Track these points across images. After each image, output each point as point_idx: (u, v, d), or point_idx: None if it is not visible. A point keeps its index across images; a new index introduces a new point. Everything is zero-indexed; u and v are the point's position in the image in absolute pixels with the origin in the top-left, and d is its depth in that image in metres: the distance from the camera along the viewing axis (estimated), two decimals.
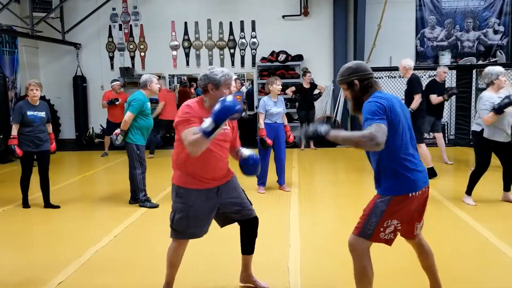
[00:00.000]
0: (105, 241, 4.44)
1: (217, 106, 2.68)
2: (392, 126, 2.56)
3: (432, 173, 6.61)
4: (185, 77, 12.11)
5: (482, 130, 5.28)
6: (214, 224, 3.18)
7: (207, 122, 2.66)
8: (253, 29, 11.96)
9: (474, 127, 5.46)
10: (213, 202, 3.03)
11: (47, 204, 5.75)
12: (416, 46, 11.77)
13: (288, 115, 10.89)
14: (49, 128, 5.79)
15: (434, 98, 7.54)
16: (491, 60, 11.41)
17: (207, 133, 2.66)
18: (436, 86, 7.78)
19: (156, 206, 5.68)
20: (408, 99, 6.73)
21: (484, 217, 4.91)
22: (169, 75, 12.23)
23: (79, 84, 12.07)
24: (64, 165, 9.29)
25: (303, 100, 10.28)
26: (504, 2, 11.48)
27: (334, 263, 3.75)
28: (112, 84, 9.76)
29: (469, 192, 5.51)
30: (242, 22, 11.98)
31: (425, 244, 2.92)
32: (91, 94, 12.40)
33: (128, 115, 5.50)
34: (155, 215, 5.35)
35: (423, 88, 7.13)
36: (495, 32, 11.61)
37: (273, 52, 11.63)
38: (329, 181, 7.32)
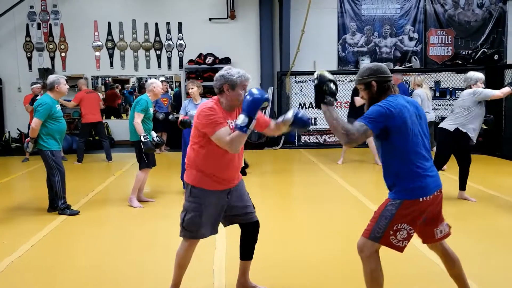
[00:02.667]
0: (21, 251, 4.21)
1: (246, 100, 2.79)
2: (399, 131, 2.59)
3: None
4: (110, 79, 11.76)
5: (456, 129, 5.52)
6: None
7: (241, 118, 2.79)
8: (180, 31, 11.87)
9: (446, 126, 5.64)
10: (223, 203, 3.05)
11: None
12: (338, 51, 12.26)
13: None
14: None
15: (358, 100, 7.89)
16: (407, 65, 12.16)
17: (244, 128, 2.78)
18: None
19: (76, 213, 5.46)
20: None
21: None
22: (92, 76, 11.80)
23: None
24: None
25: None
26: (418, 11, 12.28)
27: (258, 263, 3.81)
28: (32, 87, 9.21)
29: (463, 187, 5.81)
30: (168, 24, 11.84)
31: (450, 251, 2.85)
32: (7, 96, 11.67)
33: (35, 122, 5.23)
34: (75, 222, 5.15)
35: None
36: (410, 38, 12.38)
37: (200, 54, 11.61)
38: (259, 182, 7.42)
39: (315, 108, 2.82)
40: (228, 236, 4.52)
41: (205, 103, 3.00)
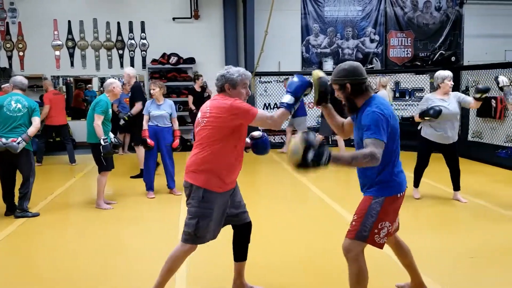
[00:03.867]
0: None
1: (293, 82, 2.90)
2: (392, 132, 2.64)
3: None
4: (71, 79, 11.50)
5: (420, 129, 5.63)
6: None
7: (288, 97, 2.88)
8: (143, 30, 11.71)
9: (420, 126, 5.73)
10: (227, 205, 3.04)
11: None
12: (302, 52, 12.39)
13: (182, 118, 10.89)
14: None
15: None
16: (368, 67, 12.42)
17: (290, 106, 2.88)
18: None
19: (37, 215, 5.33)
20: (131, 105, 7.27)
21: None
22: (52, 76, 11.47)
23: None
24: None
25: (196, 104, 10.27)
26: (379, 13, 12.56)
27: (221, 266, 3.80)
28: (3, 86, 8.66)
29: (416, 184, 5.89)
30: (131, 23, 11.66)
31: (402, 242, 2.99)
32: None
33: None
34: (35, 226, 5.00)
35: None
36: (371, 40, 12.65)
37: (164, 54, 11.49)
38: None
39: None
40: None
41: (221, 101, 2.92)
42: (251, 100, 11.22)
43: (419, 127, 5.76)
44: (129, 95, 7.64)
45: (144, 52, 11.78)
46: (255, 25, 11.36)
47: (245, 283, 3.29)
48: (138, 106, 7.02)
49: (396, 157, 2.73)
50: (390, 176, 2.69)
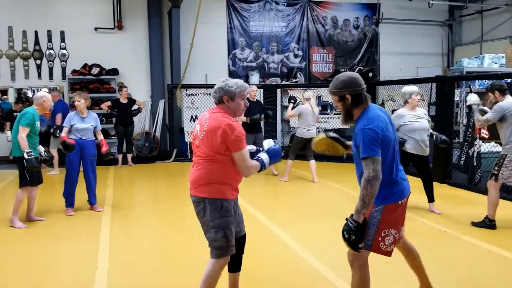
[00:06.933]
0: None
1: (274, 150, 3.10)
2: (386, 143, 2.67)
3: None
4: None
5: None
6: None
7: (267, 159, 3.05)
8: (62, 40, 11.22)
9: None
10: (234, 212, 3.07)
11: None
12: (229, 66, 12.53)
13: (105, 131, 10.52)
14: None
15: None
16: (293, 81, 12.81)
17: (264, 167, 3.03)
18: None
19: None
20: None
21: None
22: None
23: None
24: None
25: (120, 116, 10.01)
26: (302, 30, 13.02)
27: (142, 282, 3.73)
28: None
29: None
30: (49, 32, 11.14)
31: (411, 245, 3.03)
32: None
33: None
34: None
35: None
36: (295, 56, 13.07)
37: (85, 65, 11.09)
38: (148, 198, 7.25)
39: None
40: (111, 254, 4.38)
41: (221, 119, 2.90)
42: (178, 113, 11.13)
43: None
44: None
45: (64, 63, 11.28)
46: (181, 37, 11.32)
47: None
48: (58, 117, 6.72)
49: (393, 165, 2.75)
50: (389, 184, 2.73)
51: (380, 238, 2.69)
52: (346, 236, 2.65)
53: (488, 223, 5.07)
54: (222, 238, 2.91)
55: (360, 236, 2.64)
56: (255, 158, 3.04)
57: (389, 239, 2.71)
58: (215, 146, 2.87)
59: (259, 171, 3.03)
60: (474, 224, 5.18)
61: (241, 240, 3.21)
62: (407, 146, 5.57)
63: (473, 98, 5.41)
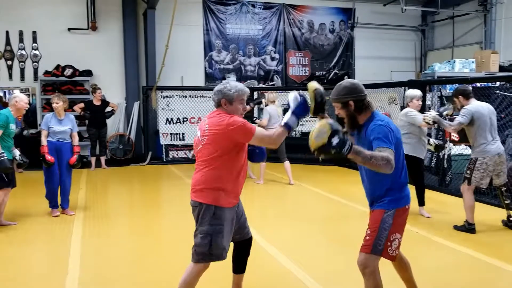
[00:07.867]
0: None
1: (297, 103, 2.89)
2: (399, 144, 2.68)
3: None
4: None
5: None
6: None
7: (292, 119, 2.89)
8: (34, 41, 10.99)
9: None
10: (234, 219, 3.02)
11: None
12: (205, 68, 12.49)
13: (78, 133, 10.33)
14: None
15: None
16: (270, 84, 12.84)
17: (291, 128, 2.89)
18: None
19: None
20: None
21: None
22: None
23: None
24: None
25: (94, 118, 9.85)
26: (278, 33, 13.08)
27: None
28: None
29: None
30: (21, 32, 10.90)
31: (402, 256, 2.98)
32: None
33: None
34: None
35: None
36: (272, 58, 13.13)
37: (58, 66, 10.88)
38: (121, 202, 7.14)
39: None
40: (81, 259, 4.30)
41: (219, 119, 2.88)
42: (153, 115, 11.03)
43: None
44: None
45: (36, 64, 11.05)
46: (156, 39, 11.23)
47: None
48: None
49: (402, 169, 2.78)
50: (401, 187, 2.77)
51: (389, 243, 2.70)
52: (334, 145, 2.41)
53: (467, 227, 5.11)
54: (206, 245, 2.89)
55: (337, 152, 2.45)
56: (280, 124, 2.94)
57: (395, 243, 2.73)
58: (222, 146, 2.87)
59: (290, 129, 2.92)
60: (456, 227, 5.21)
61: (245, 243, 3.22)
62: (408, 149, 5.47)
63: (446, 111, 5.45)
